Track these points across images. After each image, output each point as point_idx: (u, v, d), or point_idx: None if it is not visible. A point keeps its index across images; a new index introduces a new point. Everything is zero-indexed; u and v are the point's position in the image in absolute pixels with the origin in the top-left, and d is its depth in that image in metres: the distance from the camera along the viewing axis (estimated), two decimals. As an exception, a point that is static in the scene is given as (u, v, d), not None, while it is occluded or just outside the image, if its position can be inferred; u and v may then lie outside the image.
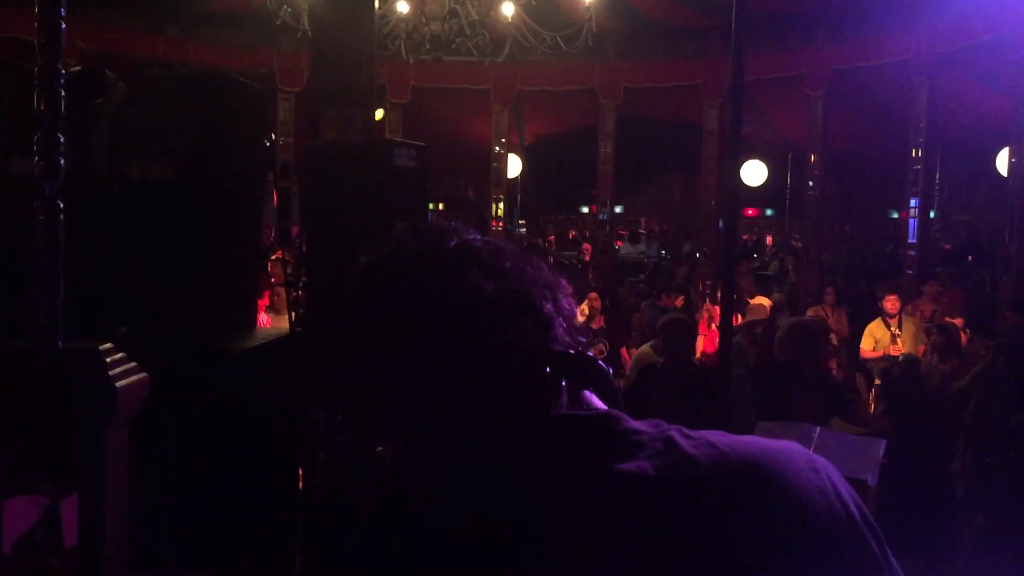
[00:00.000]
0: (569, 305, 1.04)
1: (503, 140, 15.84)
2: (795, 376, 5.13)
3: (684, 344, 5.35)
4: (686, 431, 1.00)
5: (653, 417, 1.02)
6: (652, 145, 17.75)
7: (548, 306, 1.00)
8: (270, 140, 3.37)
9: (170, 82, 3.17)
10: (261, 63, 13.81)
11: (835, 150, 14.10)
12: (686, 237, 18.81)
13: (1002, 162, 12.64)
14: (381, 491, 1.07)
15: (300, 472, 3.23)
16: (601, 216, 16.12)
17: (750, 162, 16.34)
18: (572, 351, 1.00)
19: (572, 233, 25.12)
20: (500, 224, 16.27)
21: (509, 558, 0.92)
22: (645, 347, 6.69)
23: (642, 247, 20.49)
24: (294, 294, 3.52)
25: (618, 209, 18.82)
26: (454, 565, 0.94)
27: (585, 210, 23.92)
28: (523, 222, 22.10)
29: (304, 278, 3.36)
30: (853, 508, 0.94)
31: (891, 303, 8.78)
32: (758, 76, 12.20)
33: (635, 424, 1.00)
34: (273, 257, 7.79)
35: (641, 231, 23.81)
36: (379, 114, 10.39)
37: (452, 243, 1.03)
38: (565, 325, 1.02)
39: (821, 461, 0.97)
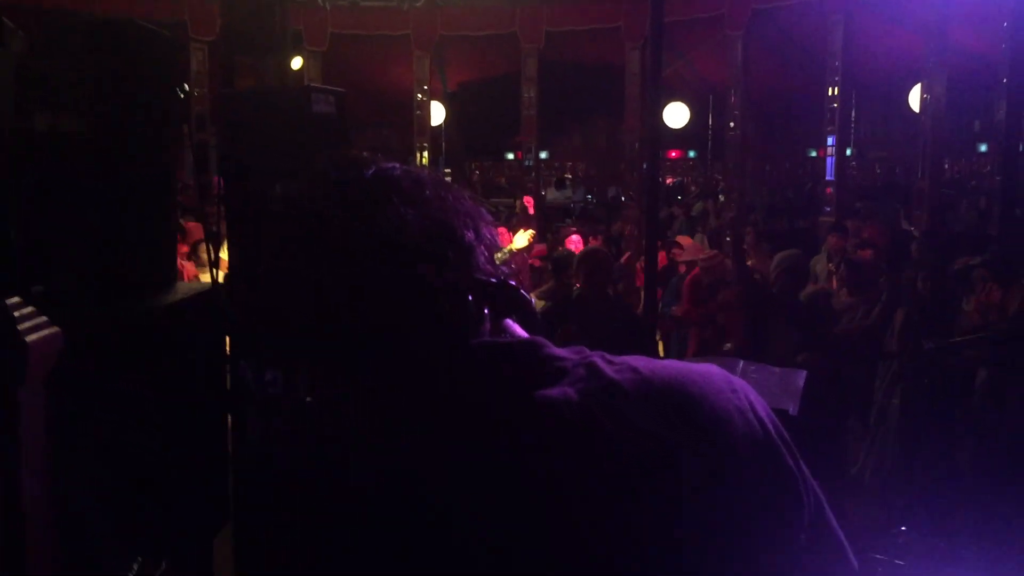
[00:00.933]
0: (490, 234, 1.04)
1: (425, 87, 15.64)
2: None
3: (602, 276, 5.41)
4: (608, 356, 1.01)
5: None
6: (576, 89, 17.74)
7: (469, 234, 1.00)
8: (184, 91, 3.26)
9: (75, 30, 3.04)
10: (171, 11, 13.30)
11: (755, 91, 14.28)
12: (612, 181, 18.92)
13: (914, 99, 12.97)
14: (300, 435, 1.06)
15: (229, 428, 3.20)
16: (527, 162, 16.09)
17: (672, 104, 16.45)
18: (494, 279, 1.00)
19: (501, 179, 25.05)
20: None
21: (435, 492, 0.92)
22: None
23: (568, 192, 20.53)
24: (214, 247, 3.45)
25: (543, 155, 18.81)
26: (380, 505, 0.93)
27: (511, 156, 23.84)
28: (448, 170, 21.96)
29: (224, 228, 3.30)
30: (769, 425, 0.97)
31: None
32: (678, 17, 12.24)
33: (558, 351, 1.00)
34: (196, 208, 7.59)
35: (567, 176, 23.86)
36: (297, 62, 10.12)
37: (370, 172, 1.01)
38: (487, 254, 1.02)
39: (738, 382, 0.99)
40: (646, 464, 0.92)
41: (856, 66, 12.71)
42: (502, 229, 9.38)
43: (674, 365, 1.00)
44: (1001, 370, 5.41)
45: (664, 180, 23.95)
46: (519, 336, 1.02)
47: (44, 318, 1.49)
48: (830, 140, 12.54)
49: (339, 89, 3.18)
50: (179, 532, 2.58)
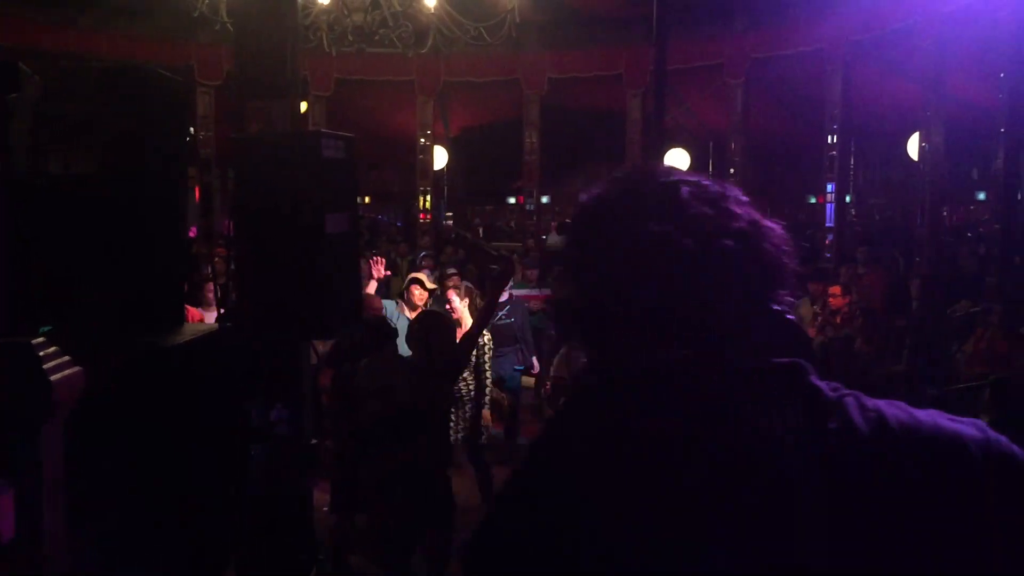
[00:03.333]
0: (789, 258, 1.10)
1: (428, 132, 15.79)
2: None
3: None
4: (861, 395, 1.06)
5: None
6: (578, 135, 17.89)
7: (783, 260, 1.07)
8: (191, 134, 3.30)
9: (88, 75, 3.10)
10: (179, 56, 13.50)
11: (755, 137, 14.42)
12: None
13: (913, 147, 13.09)
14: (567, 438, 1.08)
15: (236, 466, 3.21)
16: (528, 207, 16.19)
17: (673, 150, 16.58)
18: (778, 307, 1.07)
19: (507, 223, 25.14)
20: (427, 216, 16.22)
21: (721, 505, 0.97)
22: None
23: (569, 236, 20.59)
24: (220, 285, 3.48)
25: (545, 199, 18.92)
26: (668, 511, 0.98)
27: (512, 201, 23.97)
28: (450, 214, 22.06)
29: (233, 271, 3.33)
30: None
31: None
32: (679, 65, 12.39)
33: (818, 380, 1.06)
34: (201, 251, 7.63)
35: (568, 220, 23.98)
36: (303, 107, 10.26)
37: (687, 191, 1.08)
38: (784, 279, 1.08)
39: (992, 433, 1.04)
40: (924, 505, 0.97)
41: (855, 114, 12.85)
42: None
43: (932, 413, 1.05)
44: (1003, 417, 5.42)
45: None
46: (787, 359, 1.06)
47: (67, 357, 1.52)
48: (829, 187, 12.63)
49: (349, 134, 3.23)
50: (189, 566, 2.58)
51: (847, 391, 1.05)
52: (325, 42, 9.35)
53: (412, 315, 7.02)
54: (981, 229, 15.66)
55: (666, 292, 1.02)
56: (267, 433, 3.14)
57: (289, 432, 3.18)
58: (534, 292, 10.16)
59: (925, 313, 6.68)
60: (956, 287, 8.70)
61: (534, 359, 8.77)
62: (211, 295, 6.84)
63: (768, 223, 1.08)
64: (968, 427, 1.02)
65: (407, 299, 7.41)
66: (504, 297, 8.79)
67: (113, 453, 2.00)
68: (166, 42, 13.64)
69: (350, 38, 9.41)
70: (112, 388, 2.01)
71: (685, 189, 1.07)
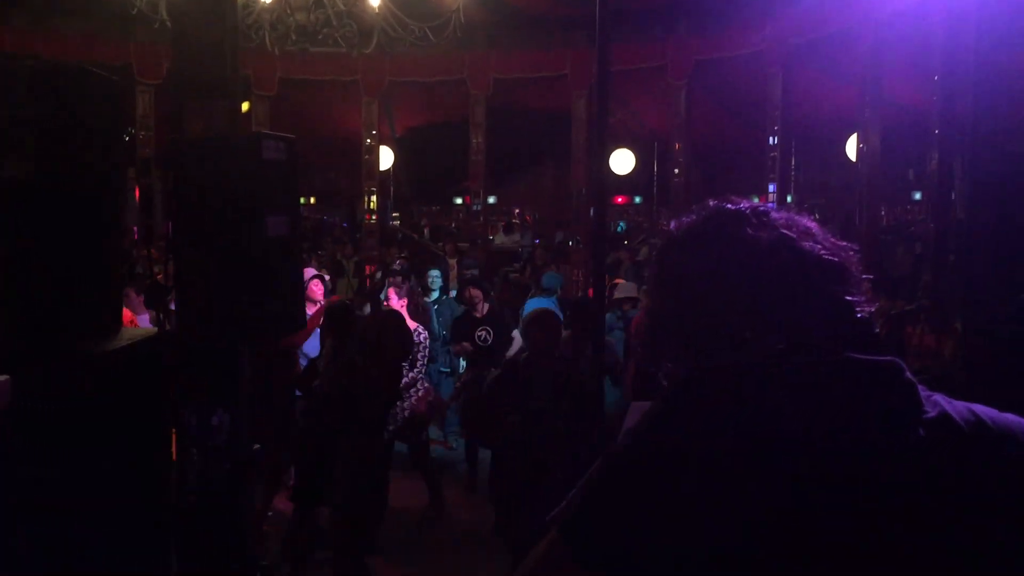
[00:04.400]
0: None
1: (374, 132, 15.71)
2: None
3: (551, 339, 5.30)
4: (944, 396, 1.17)
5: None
6: (524, 135, 17.94)
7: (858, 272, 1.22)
8: (129, 135, 3.24)
9: (20, 74, 3.03)
10: (116, 55, 13.23)
11: (698, 138, 14.60)
12: (560, 226, 19.09)
13: (851, 148, 13.36)
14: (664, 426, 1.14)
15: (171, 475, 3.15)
16: (475, 207, 16.18)
17: (618, 151, 16.74)
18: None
19: (451, 223, 25.13)
20: (374, 217, 16.13)
21: (827, 494, 1.05)
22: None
23: (516, 236, 20.66)
24: (148, 286, 3.43)
25: (491, 200, 18.93)
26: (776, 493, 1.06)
27: (459, 201, 23.96)
28: (396, 214, 21.96)
29: (171, 275, 3.28)
30: None
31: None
32: (623, 67, 12.51)
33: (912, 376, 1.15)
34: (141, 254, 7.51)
35: (515, 221, 24.01)
36: (245, 107, 10.09)
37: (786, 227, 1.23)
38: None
39: None
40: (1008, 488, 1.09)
41: (796, 116, 13.08)
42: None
43: (1013, 416, 1.16)
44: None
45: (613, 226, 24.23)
46: (884, 357, 1.15)
47: (-8, 365, 1.48)
48: (771, 187, 12.84)
49: (289, 136, 3.20)
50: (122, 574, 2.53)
51: (931, 391, 1.16)
52: (267, 41, 9.23)
53: None
54: (912, 229, 16.03)
55: (762, 285, 1.16)
56: (207, 439, 3.10)
57: (229, 438, 3.14)
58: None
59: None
60: (895, 286, 8.89)
61: (460, 361, 8.82)
62: (135, 297, 6.74)
63: (840, 241, 1.24)
64: None
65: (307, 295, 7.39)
66: (434, 296, 8.82)
67: (43, 463, 1.95)
68: (103, 40, 13.35)
69: (293, 37, 9.30)
70: (41, 396, 1.96)
71: (767, 209, 1.25)
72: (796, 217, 1.25)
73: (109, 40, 13.36)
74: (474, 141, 15.27)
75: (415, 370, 6.84)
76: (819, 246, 1.19)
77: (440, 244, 17.03)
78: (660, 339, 1.26)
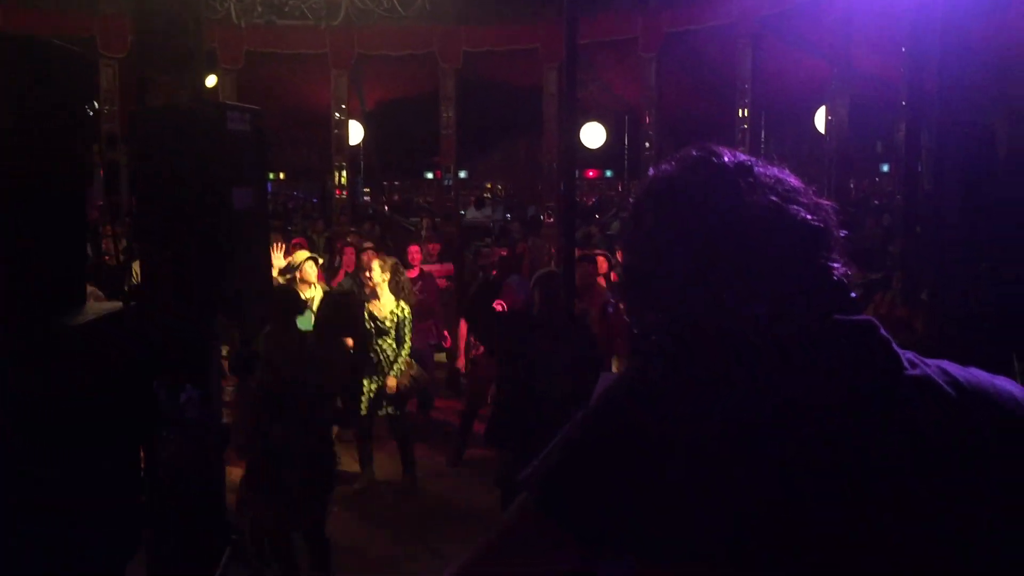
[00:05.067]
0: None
1: (343, 106, 15.57)
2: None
3: (559, 297, 5.43)
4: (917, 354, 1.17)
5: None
6: (495, 109, 17.85)
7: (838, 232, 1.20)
8: (93, 109, 3.20)
9: (-22, 46, 2.97)
10: (80, 28, 12.99)
11: (669, 111, 14.60)
12: (531, 200, 19.07)
13: (820, 120, 13.44)
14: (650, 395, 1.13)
15: (143, 450, 3.13)
16: (446, 182, 16.12)
17: (589, 124, 16.69)
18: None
19: (420, 199, 25.04)
20: (344, 192, 16.03)
21: (806, 453, 1.05)
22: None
23: (487, 211, 20.63)
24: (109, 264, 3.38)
25: (463, 174, 18.87)
26: (761, 454, 1.06)
27: (430, 176, 23.87)
28: (367, 189, 21.83)
29: (134, 249, 3.24)
30: None
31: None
32: (593, 39, 12.47)
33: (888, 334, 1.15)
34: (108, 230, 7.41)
35: (486, 195, 23.97)
36: (211, 80, 10.01)
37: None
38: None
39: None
40: (987, 449, 1.09)
41: (765, 88, 13.12)
42: (415, 248, 9.40)
43: (980, 372, 1.16)
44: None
45: (585, 200, 24.24)
46: (860, 317, 1.14)
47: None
48: (741, 160, 12.89)
49: (256, 107, 3.16)
50: (88, 559, 2.52)
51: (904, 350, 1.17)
52: (233, 13, 9.12)
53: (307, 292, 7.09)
54: (878, 201, 16.16)
55: (748, 253, 1.12)
56: (176, 415, 3.08)
57: (200, 414, 3.12)
58: (435, 266, 10.19)
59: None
60: (863, 258, 8.98)
61: (446, 333, 8.84)
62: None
63: (821, 200, 1.21)
64: (1008, 383, 1.16)
65: (301, 277, 7.39)
66: (415, 273, 8.83)
67: (9, 440, 1.93)
68: (66, 13, 13.10)
69: (259, 9, 9.18)
70: (4, 373, 1.94)
71: (752, 164, 1.21)
72: (782, 175, 1.20)
73: (72, 13, 13.11)
74: (444, 115, 15.19)
75: (401, 348, 6.88)
76: (804, 209, 1.16)
77: (412, 220, 16.96)
78: (637, 296, 1.22)
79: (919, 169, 9.97)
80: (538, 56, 14.53)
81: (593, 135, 17.23)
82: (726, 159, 1.22)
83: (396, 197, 25.09)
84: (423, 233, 13.18)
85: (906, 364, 1.12)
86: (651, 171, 1.26)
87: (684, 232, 1.16)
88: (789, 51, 13.14)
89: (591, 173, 25.23)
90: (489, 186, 25.83)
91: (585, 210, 20.43)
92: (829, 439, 1.06)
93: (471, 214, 19.66)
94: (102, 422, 2.70)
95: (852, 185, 18.52)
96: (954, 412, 1.09)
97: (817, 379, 1.08)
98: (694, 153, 1.25)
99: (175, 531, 3.23)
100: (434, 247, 11.14)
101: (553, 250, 12.73)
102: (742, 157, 1.23)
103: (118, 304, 3.07)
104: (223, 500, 3.71)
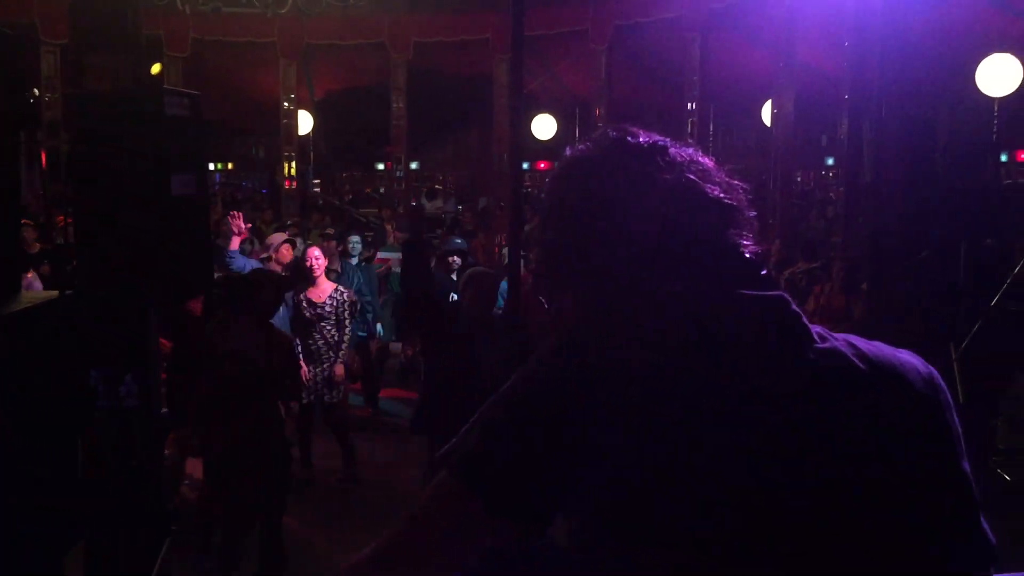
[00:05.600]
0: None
1: (292, 96, 15.41)
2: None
3: (490, 296, 5.42)
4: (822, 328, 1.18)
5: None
6: (447, 100, 17.78)
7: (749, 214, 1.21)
8: (34, 96, 3.13)
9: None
10: (19, 12, 12.66)
11: (619, 103, 14.68)
12: (483, 191, 19.06)
13: (766, 113, 13.62)
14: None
15: (79, 440, 3.09)
16: (397, 173, 16.05)
17: (540, 116, 16.70)
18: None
19: (368, 189, 24.87)
20: (293, 183, 15.87)
21: (714, 425, 1.05)
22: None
23: (439, 202, 20.55)
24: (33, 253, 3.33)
25: (414, 165, 18.79)
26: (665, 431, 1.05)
27: (381, 167, 23.71)
28: (317, 180, 21.63)
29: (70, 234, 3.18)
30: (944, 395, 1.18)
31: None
32: (544, 31, 12.49)
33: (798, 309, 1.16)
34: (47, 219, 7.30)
35: (438, 186, 23.87)
36: (155, 68, 9.81)
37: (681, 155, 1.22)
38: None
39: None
40: (896, 425, 1.11)
41: (714, 81, 13.26)
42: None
43: (884, 346, 1.18)
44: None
45: (536, 191, 24.23)
46: (772, 292, 1.16)
47: None
48: (690, 152, 13.01)
49: (194, 92, 3.12)
50: (28, 549, 2.48)
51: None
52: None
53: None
54: (821, 195, 16.41)
55: (664, 229, 1.14)
56: (114, 405, 3.04)
57: (139, 404, 3.08)
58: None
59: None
60: (805, 250, 9.15)
61: (378, 326, 8.91)
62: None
63: (733, 180, 1.23)
64: (912, 356, 1.18)
65: (277, 258, 7.58)
66: (354, 262, 8.84)
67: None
68: (5, -2, 12.77)
69: (205, -5, 9.05)
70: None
71: (666, 144, 1.23)
72: (696, 155, 1.23)
73: (11, -3, 12.78)
74: (395, 106, 15.10)
75: (342, 332, 6.87)
76: (717, 188, 1.18)
77: (362, 211, 16.85)
78: (553, 276, 1.23)
79: (861, 161, 10.17)
80: (489, 47, 14.51)
81: (544, 127, 17.24)
82: (641, 139, 1.23)
83: (346, 188, 24.87)
84: (388, 226, 13.12)
85: (816, 337, 1.13)
86: (568, 151, 1.27)
87: (600, 210, 1.17)
88: (737, 45, 13.29)
89: (542, 165, 25.26)
90: (441, 177, 25.73)
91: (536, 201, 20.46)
92: (737, 399, 1.07)
93: (426, 204, 19.57)
94: (35, 412, 2.66)
95: (799, 178, 18.81)
96: (864, 385, 1.11)
97: (728, 354, 1.09)
98: (611, 134, 1.25)
99: (112, 523, 3.18)
100: (402, 236, 11.13)
101: (504, 241, 12.77)
102: (657, 138, 1.24)
103: (54, 293, 3.02)
104: (162, 491, 3.67)
